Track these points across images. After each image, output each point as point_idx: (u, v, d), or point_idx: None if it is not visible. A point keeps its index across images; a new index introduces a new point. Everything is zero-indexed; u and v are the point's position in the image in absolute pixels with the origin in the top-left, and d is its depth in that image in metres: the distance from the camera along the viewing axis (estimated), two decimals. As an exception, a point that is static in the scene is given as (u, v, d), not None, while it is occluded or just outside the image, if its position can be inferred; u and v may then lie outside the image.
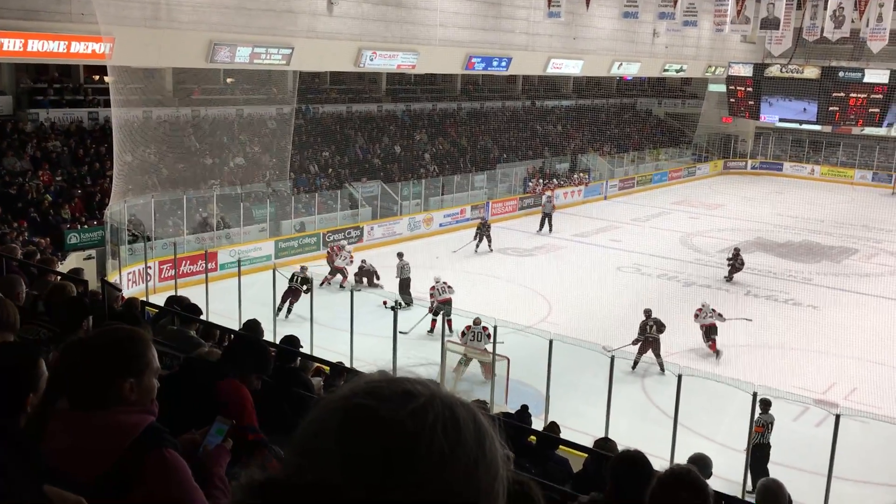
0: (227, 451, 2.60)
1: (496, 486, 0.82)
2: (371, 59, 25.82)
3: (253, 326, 7.60)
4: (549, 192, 30.64)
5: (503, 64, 30.88)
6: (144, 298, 15.13)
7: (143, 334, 2.09)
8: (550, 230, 27.70)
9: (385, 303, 15.47)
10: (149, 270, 19.03)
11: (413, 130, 32.73)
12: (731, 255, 22.83)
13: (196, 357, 4.50)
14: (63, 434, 1.94)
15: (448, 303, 17.22)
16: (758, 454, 11.24)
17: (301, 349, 7.74)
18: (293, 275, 17.76)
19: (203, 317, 9.85)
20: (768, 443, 11.40)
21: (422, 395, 0.82)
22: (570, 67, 34.75)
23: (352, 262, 20.82)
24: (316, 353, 12.06)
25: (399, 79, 33.69)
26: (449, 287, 17.65)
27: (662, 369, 15.05)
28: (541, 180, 32.87)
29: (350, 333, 14.21)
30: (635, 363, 15.39)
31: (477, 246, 24.54)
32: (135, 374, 1.99)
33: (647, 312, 15.79)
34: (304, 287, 16.91)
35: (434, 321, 16.85)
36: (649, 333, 15.44)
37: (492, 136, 35.47)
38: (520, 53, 31.07)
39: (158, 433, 2.01)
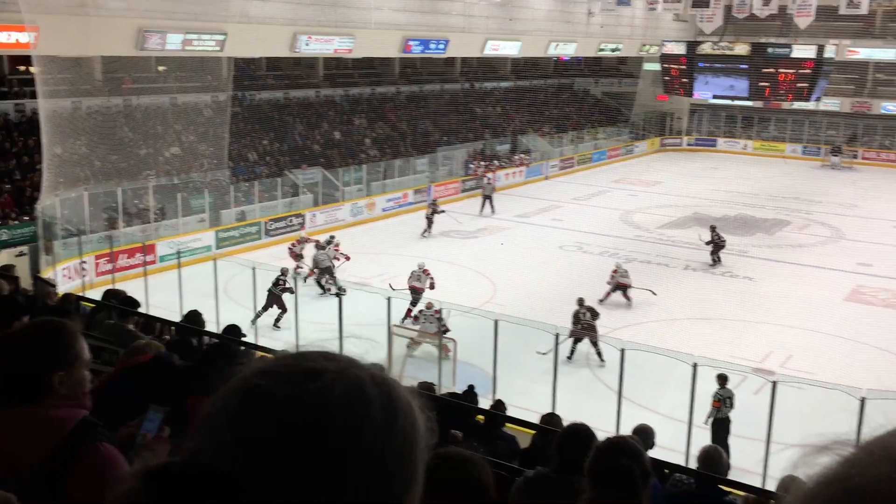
0: (165, 440, 2.56)
1: (409, 467, 0.78)
2: (307, 44, 25.49)
3: (194, 318, 7.48)
4: (489, 174, 30.77)
5: (440, 46, 30.81)
6: (81, 293, 14.77)
7: (71, 326, 2.03)
8: (493, 211, 27.84)
9: (329, 289, 15.37)
10: (84, 265, 18.55)
11: (352, 115, 32.47)
12: (711, 237, 22.00)
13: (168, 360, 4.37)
14: (-9, 431, 1.88)
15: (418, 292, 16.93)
16: (717, 428, 11.52)
17: (244, 338, 7.65)
18: (277, 279, 16.42)
19: (142, 310, 9.65)
20: (727, 417, 11.65)
21: (326, 374, 0.77)
22: (508, 49, 34.87)
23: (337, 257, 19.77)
24: (260, 343, 11.94)
25: (336, 63, 33.33)
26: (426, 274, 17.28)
27: (601, 358, 14.85)
28: (482, 162, 32.97)
29: (295, 321, 14.12)
30: (571, 352, 15.07)
31: (428, 229, 24.56)
32: (64, 367, 1.94)
33: (580, 301, 15.51)
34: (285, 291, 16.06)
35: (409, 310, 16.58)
36: (584, 321, 15.17)
37: (432, 120, 35.41)
38: (457, 35, 31.03)
39: (91, 427, 1.96)
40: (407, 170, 30.15)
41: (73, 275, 18.44)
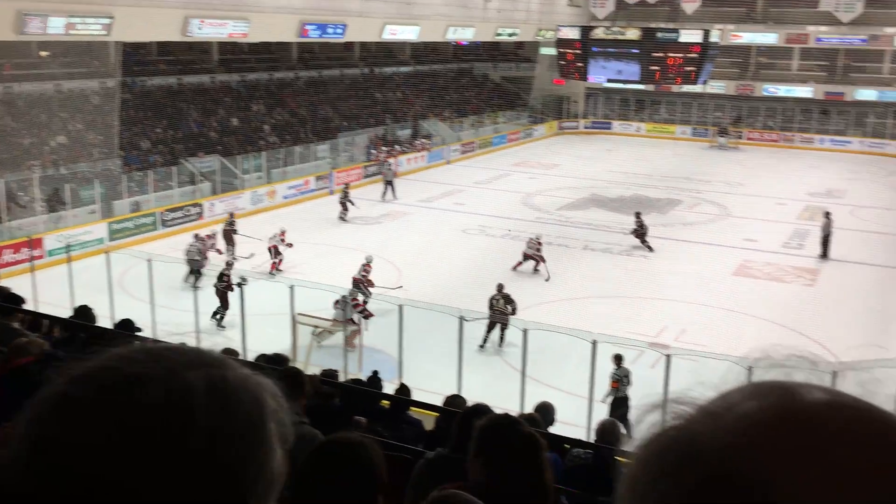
0: None
1: (246, 477, 0.72)
2: (200, 28, 24.73)
3: (84, 312, 7.21)
4: (390, 159, 30.74)
5: (339, 31, 30.46)
6: (-38, 293, 13.98)
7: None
8: (395, 196, 27.84)
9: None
10: (-35, 262, 17.57)
11: (250, 101, 31.77)
12: (634, 227, 22.34)
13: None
14: None
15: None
16: (616, 406, 11.88)
17: (139, 332, 7.44)
18: (221, 274, 15.77)
19: (29, 307, 9.24)
20: (626, 395, 12.04)
21: (148, 381, 0.70)
22: (406, 33, 34.78)
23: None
24: (159, 337, 11.61)
25: (231, 48, 32.51)
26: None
27: (501, 342, 15.00)
28: (383, 148, 32.88)
29: (195, 312, 13.79)
30: (484, 341, 15.02)
31: (344, 212, 24.76)
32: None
33: (499, 287, 15.53)
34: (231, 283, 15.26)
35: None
36: (497, 307, 15.20)
37: (332, 105, 35.03)
38: (355, 20, 30.73)
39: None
40: (308, 156, 29.76)
41: (-48, 273, 17.43)
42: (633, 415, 0.76)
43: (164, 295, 15.27)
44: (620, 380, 12.08)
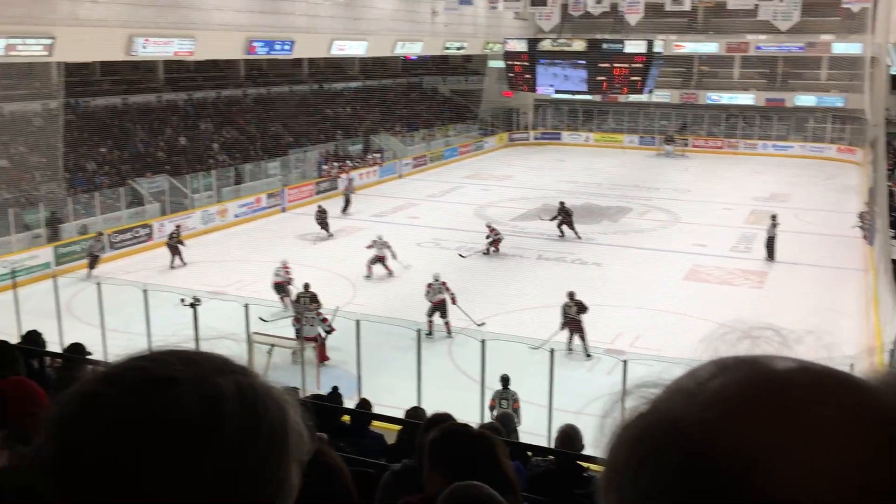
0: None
1: (270, 485, 0.72)
2: (144, 47, 24.40)
3: (33, 338, 7.04)
4: (350, 174, 30.88)
5: (286, 47, 30.33)
6: None
7: None
8: (344, 211, 27.86)
9: (183, 300, 14.82)
10: None
11: (198, 120, 31.41)
12: (556, 213, 24.25)
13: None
14: None
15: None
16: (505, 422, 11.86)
17: (90, 356, 7.27)
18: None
19: (-25, 335, 8.96)
20: (509, 412, 11.97)
21: (178, 383, 0.70)
22: (355, 49, 34.79)
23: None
24: (110, 361, 11.36)
25: (177, 66, 32.12)
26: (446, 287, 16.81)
27: (587, 353, 15.19)
28: (335, 163, 32.76)
29: (147, 335, 13.51)
30: (569, 349, 15.17)
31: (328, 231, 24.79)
32: None
33: (570, 294, 15.66)
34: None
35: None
36: (569, 315, 15.39)
37: (282, 122, 34.82)
38: (302, 36, 30.65)
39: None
40: (259, 174, 29.51)
41: None
42: (608, 402, 0.76)
43: (114, 318, 14.96)
44: (499, 401, 11.83)
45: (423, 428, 3.78)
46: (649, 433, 0.60)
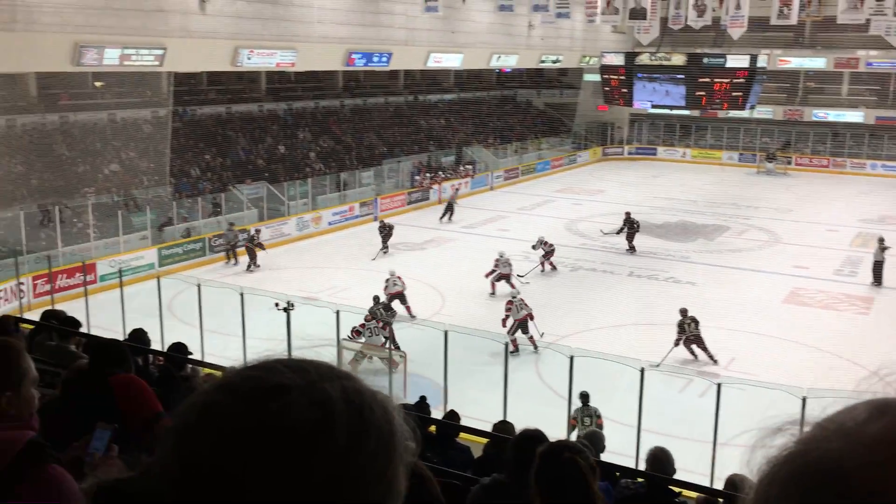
0: (114, 459, 2.51)
1: (379, 487, 0.73)
2: (249, 58, 25.26)
3: (138, 336, 7.33)
4: (453, 183, 31.71)
5: (384, 59, 30.85)
6: (19, 315, 14.33)
7: (15, 343, 1.99)
8: (442, 219, 28.15)
9: (277, 304, 15.20)
10: (22, 286, 18.02)
11: (296, 129, 32.26)
12: (622, 225, 24.23)
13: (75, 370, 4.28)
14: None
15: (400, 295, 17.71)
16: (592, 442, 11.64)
17: (191, 356, 7.53)
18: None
19: (84, 330, 9.42)
20: (597, 430, 11.73)
21: (290, 391, 0.72)
22: (450, 61, 35.09)
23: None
24: (207, 360, 11.74)
25: (279, 77, 33.12)
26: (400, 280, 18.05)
27: (714, 360, 15.48)
28: (427, 174, 33.07)
29: (243, 337, 13.92)
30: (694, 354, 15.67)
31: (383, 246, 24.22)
32: (12, 386, 1.90)
33: (683, 311, 15.87)
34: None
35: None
36: (689, 332, 15.60)
37: (376, 132, 35.40)
38: (400, 48, 31.12)
39: (40, 449, 1.92)
40: (353, 183, 30.07)
41: (9, 297, 17.90)
42: (754, 439, 0.71)
43: (211, 319, 15.47)
44: (580, 420, 11.58)
45: (512, 443, 3.74)
46: (808, 473, 0.57)
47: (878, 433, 0.56)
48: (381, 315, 15.37)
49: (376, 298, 16.29)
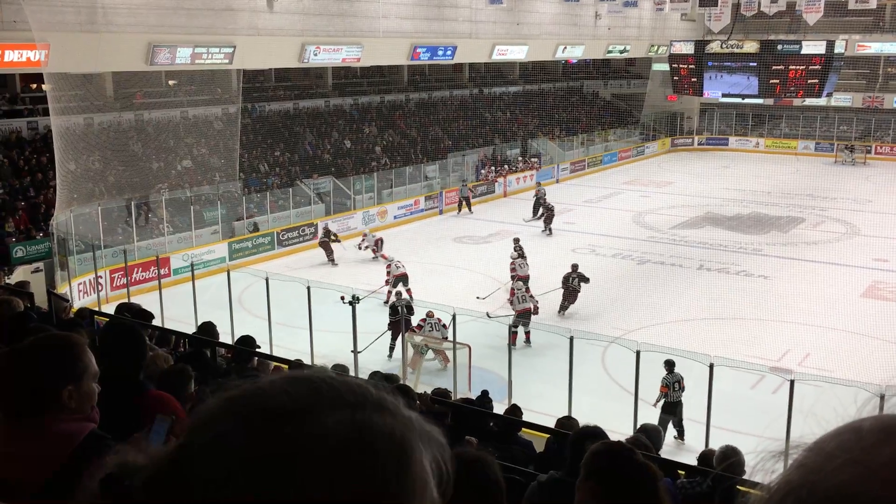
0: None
1: None
2: (315, 55, 25.59)
3: (208, 329, 7.50)
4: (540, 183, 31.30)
5: (448, 53, 30.85)
6: (97, 308, 14.85)
7: (78, 339, 2.04)
8: (533, 216, 27.46)
9: (343, 298, 15.38)
10: (100, 280, 18.67)
11: (362, 124, 32.56)
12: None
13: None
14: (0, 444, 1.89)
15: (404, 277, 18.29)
16: (666, 411, 12.03)
17: (258, 349, 7.66)
18: (393, 305, 15.82)
19: (157, 322, 9.71)
20: (677, 401, 12.10)
21: (285, 416, 0.68)
22: (516, 53, 34.86)
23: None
24: (275, 353, 11.96)
25: (345, 72, 33.46)
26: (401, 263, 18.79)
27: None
28: (493, 167, 32.96)
29: (309, 330, 14.13)
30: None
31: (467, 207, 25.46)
32: (73, 380, 1.95)
33: (573, 266, 16.87)
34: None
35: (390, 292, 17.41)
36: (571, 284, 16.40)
37: (441, 126, 35.45)
38: (464, 41, 31.07)
39: (100, 441, 1.96)
40: (417, 177, 30.19)
41: (88, 290, 18.56)
42: (754, 461, 0.68)
43: (279, 311, 15.75)
44: (670, 385, 12.10)
45: (571, 439, 3.69)
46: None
47: (891, 461, 0.51)
48: (401, 307, 15.28)
49: (399, 294, 16.46)
